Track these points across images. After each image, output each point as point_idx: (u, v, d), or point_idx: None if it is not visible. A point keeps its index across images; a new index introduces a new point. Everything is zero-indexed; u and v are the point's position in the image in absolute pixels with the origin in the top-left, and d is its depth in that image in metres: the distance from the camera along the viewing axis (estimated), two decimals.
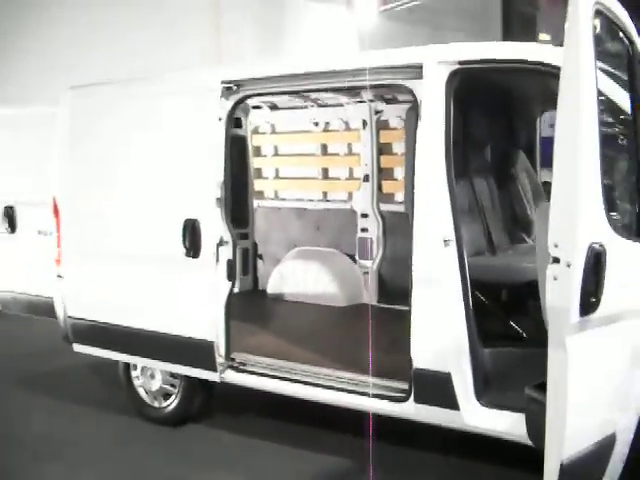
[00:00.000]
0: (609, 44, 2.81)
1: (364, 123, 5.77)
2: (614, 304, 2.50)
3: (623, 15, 2.72)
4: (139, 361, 4.62)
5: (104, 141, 4.64)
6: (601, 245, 2.35)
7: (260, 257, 6.55)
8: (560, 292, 2.33)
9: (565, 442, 2.38)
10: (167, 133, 4.34)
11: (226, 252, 4.16)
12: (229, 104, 4.15)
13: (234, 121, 6.22)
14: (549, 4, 15.04)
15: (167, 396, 4.65)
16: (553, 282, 2.34)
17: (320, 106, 5.97)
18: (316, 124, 6.09)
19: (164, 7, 9.93)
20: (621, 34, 2.78)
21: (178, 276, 4.24)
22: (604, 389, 2.60)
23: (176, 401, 4.60)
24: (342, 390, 3.82)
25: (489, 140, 5.47)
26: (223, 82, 4.11)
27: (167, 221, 4.23)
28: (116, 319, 4.56)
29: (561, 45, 2.41)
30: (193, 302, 4.20)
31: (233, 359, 4.23)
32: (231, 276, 4.18)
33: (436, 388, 3.38)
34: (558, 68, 2.58)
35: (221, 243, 4.12)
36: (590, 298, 2.33)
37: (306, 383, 3.96)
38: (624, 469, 2.86)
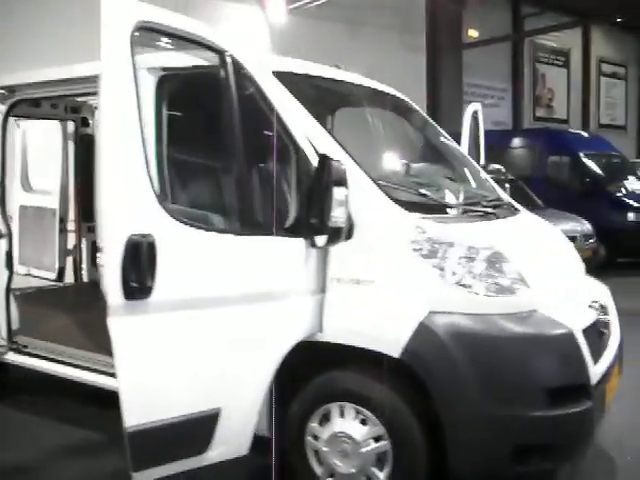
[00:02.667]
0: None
1: None
2: (184, 290, 2.74)
3: (195, 29, 2.90)
4: None
5: None
6: (144, 236, 2.54)
7: None
8: (105, 277, 2.60)
9: (125, 413, 2.63)
10: None
11: (3, 244, 4.52)
12: (4, 108, 4.50)
13: (81, 121, 6.61)
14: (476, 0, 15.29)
15: None
16: (102, 268, 2.66)
17: None
18: None
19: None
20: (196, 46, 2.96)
21: None
22: (188, 369, 2.83)
23: None
24: (93, 370, 4.19)
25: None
26: None
27: None
28: None
29: None
30: None
31: (16, 342, 4.58)
32: (9, 265, 4.55)
33: None
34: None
35: None
36: (132, 284, 2.53)
37: (69, 364, 4.33)
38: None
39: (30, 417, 4.77)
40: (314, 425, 3.29)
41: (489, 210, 3.80)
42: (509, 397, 2.98)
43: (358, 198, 3.15)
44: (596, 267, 10.59)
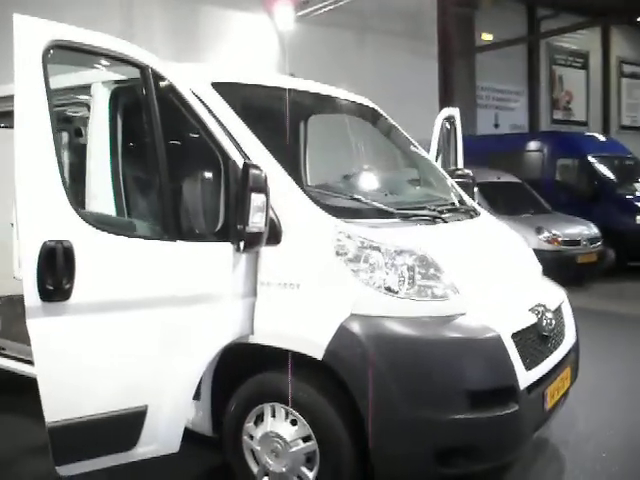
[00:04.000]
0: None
1: None
2: (106, 293, 2.85)
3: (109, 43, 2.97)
4: None
5: None
6: (60, 242, 2.65)
7: None
8: (23, 281, 2.67)
9: (45, 409, 2.75)
10: None
11: None
12: None
13: (75, 131, 6.80)
14: (487, 3, 15.24)
15: None
16: (20, 270, 2.77)
17: None
18: None
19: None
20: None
21: None
22: (112, 368, 2.93)
23: None
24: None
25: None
26: None
27: None
28: None
29: None
30: None
31: None
32: None
33: None
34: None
35: None
36: (48, 287, 2.64)
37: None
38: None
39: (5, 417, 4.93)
40: (250, 425, 3.38)
41: (434, 214, 3.83)
42: (429, 399, 3.02)
43: (285, 204, 3.25)
44: (604, 270, 10.55)
